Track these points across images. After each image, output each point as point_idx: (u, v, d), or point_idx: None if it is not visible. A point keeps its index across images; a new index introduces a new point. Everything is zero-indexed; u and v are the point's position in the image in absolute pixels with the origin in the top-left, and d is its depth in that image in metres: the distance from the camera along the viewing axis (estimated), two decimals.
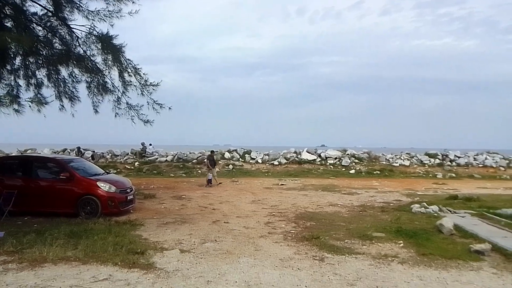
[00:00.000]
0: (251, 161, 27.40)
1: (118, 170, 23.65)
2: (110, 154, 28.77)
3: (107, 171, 13.13)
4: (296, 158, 27.39)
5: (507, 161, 27.07)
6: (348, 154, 27.99)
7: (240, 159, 27.68)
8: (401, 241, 7.18)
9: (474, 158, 27.51)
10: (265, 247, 6.88)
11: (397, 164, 26.64)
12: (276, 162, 26.83)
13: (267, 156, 27.93)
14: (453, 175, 24.44)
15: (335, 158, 27.27)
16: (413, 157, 28.07)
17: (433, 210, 10.38)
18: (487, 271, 5.56)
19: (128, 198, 10.27)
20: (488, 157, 27.79)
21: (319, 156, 27.75)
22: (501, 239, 7.21)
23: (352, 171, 25.07)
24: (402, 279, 5.20)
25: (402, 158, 27.81)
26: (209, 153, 21.07)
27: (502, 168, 26.21)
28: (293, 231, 8.19)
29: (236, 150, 28.71)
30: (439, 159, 27.55)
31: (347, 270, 5.52)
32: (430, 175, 24.29)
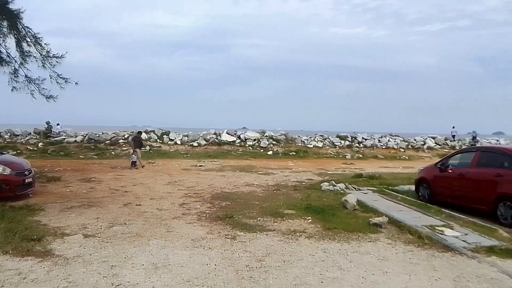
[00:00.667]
0: (169, 142, 26.71)
1: (18, 151, 21.40)
2: (9, 134, 25.86)
3: (2, 152, 11.75)
4: (216, 140, 27.31)
5: (406, 143, 30.08)
6: (266, 136, 28.67)
7: (158, 140, 26.82)
8: (310, 217, 7.55)
9: (379, 140, 30.06)
10: (177, 228, 6.74)
11: (312, 146, 28.02)
12: (195, 144, 26.49)
13: (186, 137, 27.44)
14: (360, 155, 26.43)
15: (254, 140, 27.75)
16: (326, 139, 29.76)
17: (340, 188, 11.11)
18: (383, 242, 6.08)
19: (26, 181, 9.30)
20: (390, 139, 30.57)
21: (239, 137, 28.01)
22: (396, 212, 7.97)
23: (270, 152, 25.76)
24: (307, 252, 5.46)
25: (316, 140, 29.32)
26: (136, 133, 20.08)
27: (402, 150, 29.03)
28: (207, 212, 8.15)
29: (154, 131, 27.69)
30: (348, 141, 29.59)
31: (257, 247, 5.64)
32: (340, 156, 25.97)
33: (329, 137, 30.23)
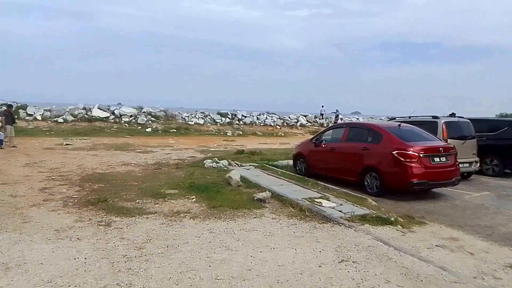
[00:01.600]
0: (27, 117, 23.18)
1: None
2: None
3: None
4: (85, 115, 24.73)
5: (282, 121, 31.87)
6: (144, 112, 27.12)
7: None
8: (194, 196, 7.19)
9: (257, 118, 31.17)
10: (36, 217, 5.67)
11: (193, 123, 27.54)
12: (61, 120, 23.55)
13: (49, 113, 24.18)
14: (241, 132, 27.01)
15: (131, 116, 25.98)
16: (207, 116, 29.58)
17: (223, 165, 10.99)
18: (268, 217, 6.08)
19: None
20: (268, 117, 31.98)
21: (113, 113, 25.88)
22: (278, 187, 8.15)
23: (149, 129, 24.45)
24: (193, 234, 5.11)
25: (197, 117, 28.92)
26: (6, 107, 17.50)
27: (278, 127, 30.64)
28: (76, 196, 7.11)
29: (6, 104, 23.64)
30: (229, 118, 29.96)
31: (136, 233, 5.06)
32: (222, 133, 26.13)
33: (210, 114, 30.12)
